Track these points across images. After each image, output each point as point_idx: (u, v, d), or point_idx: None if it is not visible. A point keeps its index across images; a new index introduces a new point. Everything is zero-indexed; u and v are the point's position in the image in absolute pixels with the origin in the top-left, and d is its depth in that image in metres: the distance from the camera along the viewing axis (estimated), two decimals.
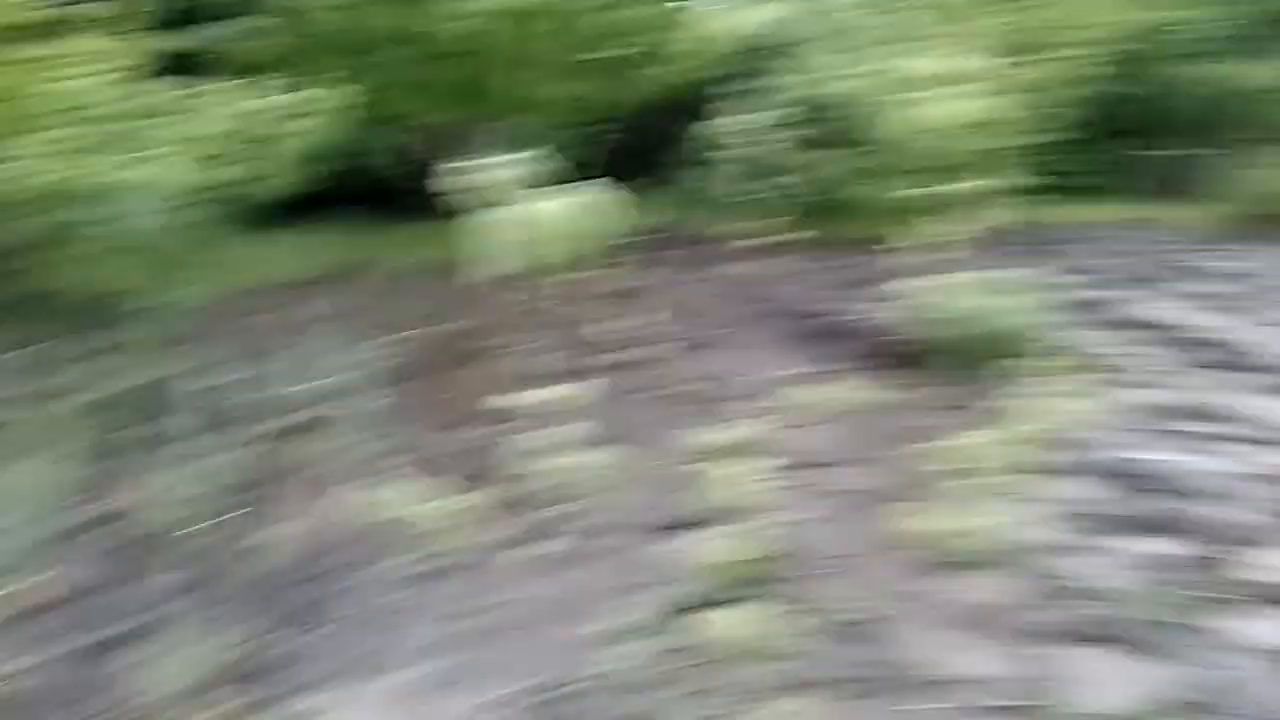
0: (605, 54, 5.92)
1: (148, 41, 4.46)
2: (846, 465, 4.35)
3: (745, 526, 3.75)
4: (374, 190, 6.89)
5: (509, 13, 5.77)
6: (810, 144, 6.56)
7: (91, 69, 4.02)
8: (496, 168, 3.31)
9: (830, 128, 6.39)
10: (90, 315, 5.32)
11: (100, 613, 3.32)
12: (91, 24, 4.26)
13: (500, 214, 3.25)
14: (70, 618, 3.29)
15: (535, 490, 4.05)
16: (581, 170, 7.30)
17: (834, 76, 6.21)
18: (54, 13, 4.38)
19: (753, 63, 6.85)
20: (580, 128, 7.05)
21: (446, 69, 6.12)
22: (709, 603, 3.27)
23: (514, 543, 3.73)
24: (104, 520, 3.83)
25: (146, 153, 3.93)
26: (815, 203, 6.50)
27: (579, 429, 4.44)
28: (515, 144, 6.77)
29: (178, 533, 3.73)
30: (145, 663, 3.09)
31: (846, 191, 6.50)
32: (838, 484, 4.17)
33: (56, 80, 4.09)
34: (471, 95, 6.27)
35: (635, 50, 5.98)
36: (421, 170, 7.82)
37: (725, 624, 3.15)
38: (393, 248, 6.94)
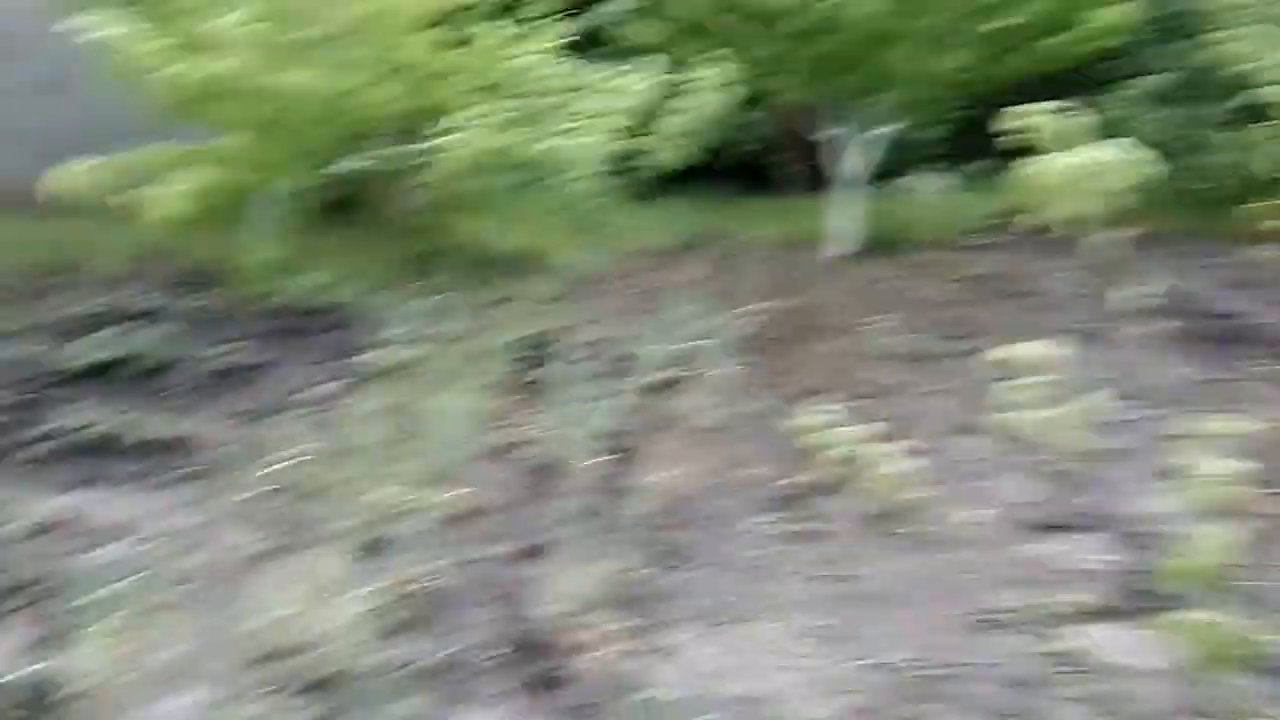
0: (999, 23, 5.63)
1: (563, 24, 4.95)
2: None
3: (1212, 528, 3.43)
4: (745, 165, 7.14)
5: None
6: (1238, 121, 5.82)
7: (528, 47, 4.55)
8: (1039, 118, 3.31)
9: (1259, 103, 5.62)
10: (498, 269, 6.05)
11: (505, 527, 3.80)
12: (522, 6, 4.81)
13: (1045, 163, 3.25)
14: (482, 528, 3.79)
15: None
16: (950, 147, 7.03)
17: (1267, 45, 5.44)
18: None
19: (1166, 31, 6.19)
20: (953, 103, 6.80)
21: (819, 44, 6.14)
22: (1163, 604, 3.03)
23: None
24: (508, 448, 4.36)
25: (569, 126, 4.39)
26: (1236, 187, 5.77)
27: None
28: (878, 120, 6.69)
29: (567, 466, 4.15)
30: (540, 578, 3.50)
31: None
32: None
33: (500, 58, 4.68)
34: (841, 70, 6.24)
35: (1037, 16, 5.62)
36: (789, 146, 7.96)
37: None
38: (757, 221, 7.18)
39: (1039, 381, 2.83)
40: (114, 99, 5.70)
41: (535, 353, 5.24)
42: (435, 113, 4.96)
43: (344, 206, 6.66)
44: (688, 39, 6.03)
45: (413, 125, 5.29)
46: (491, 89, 4.77)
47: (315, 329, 5.78)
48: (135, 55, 4.98)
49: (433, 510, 3.85)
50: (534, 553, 3.66)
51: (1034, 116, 3.56)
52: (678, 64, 5.65)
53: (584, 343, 5.29)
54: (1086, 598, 3.28)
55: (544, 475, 4.18)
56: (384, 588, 3.31)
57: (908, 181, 8.13)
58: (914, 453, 3.29)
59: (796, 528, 3.82)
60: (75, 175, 5.30)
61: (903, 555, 3.58)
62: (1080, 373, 2.99)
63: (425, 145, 5.17)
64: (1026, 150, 3.59)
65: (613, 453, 4.28)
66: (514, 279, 6.10)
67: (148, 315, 5.80)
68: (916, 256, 6.92)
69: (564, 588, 3.41)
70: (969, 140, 7.10)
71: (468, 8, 4.88)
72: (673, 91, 5.56)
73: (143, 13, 5.16)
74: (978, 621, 3.19)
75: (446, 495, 3.91)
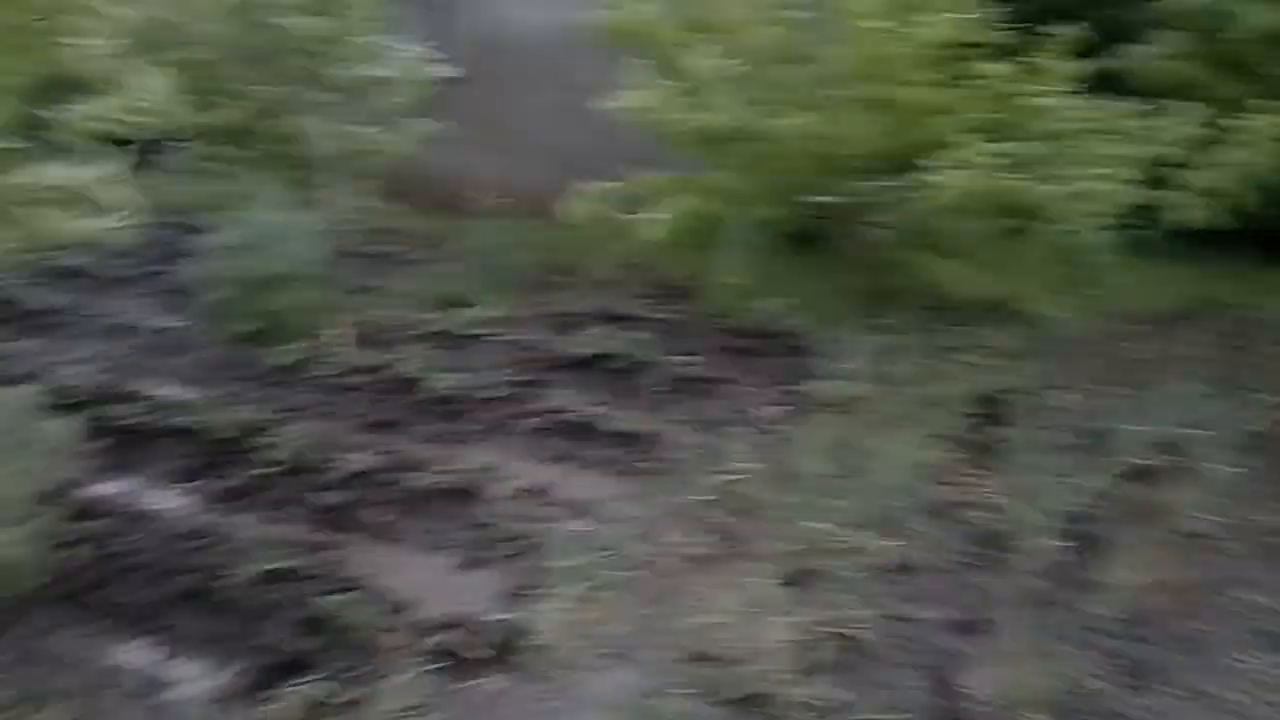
0: None
1: (1081, 62, 4.54)
2: None
3: None
4: (1273, 232, 6.03)
5: None
6: None
7: (1038, 86, 4.27)
8: None
9: None
10: (960, 315, 5.78)
11: (938, 592, 3.57)
12: (1034, 44, 4.51)
13: None
14: (914, 587, 3.59)
15: None
16: None
17: None
18: (1007, 35, 4.77)
19: None
20: None
21: None
22: None
23: None
24: (951, 508, 4.10)
25: (1078, 171, 4.03)
26: None
27: None
28: None
29: (1018, 541, 3.79)
30: (973, 658, 3.22)
31: None
32: None
33: (1005, 97, 4.45)
34: None
35: None
36: None
37: None
38: (1277, 296, 6.06)
39: None
40: (625, 126, 6.40)
41: (992, 410, 4.88)
42: (923, 150, 4.83)
43: (808, 238, 6.80)
44: (1232, 80, 5.20)
45: (895, 162, 5.23)
46: (989, 128, 4.53)
47: (768, 352, 5.96)
48: (643, 101, 5.53)
49: (864, 555, 3.74)
50: (969, 627, 3.38)
51: None
52: (1217, 109, 4.89)
53: (1050, 408, 4.82)
54: None
55: (989, 545, 3.86)
56: (808, 623, 3.27)
57: None
58: None
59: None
60: (586, 196, 6.04)
61: None
62: None
63: (905, 182, 5.07)
64: None
65: (1073, 539, 3.82)
66: (977, 328, 5.77)
67: (626, 320, 6.41)
68: None
69: (1001, 677, 3.10)
70: None
71: (973, 45, 4.68)
72: (1210, 140, 4.82)
73: (654, 63, 5.72)
74: None
75: (880, 543, 3.77)
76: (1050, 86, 4.38)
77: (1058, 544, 3.78)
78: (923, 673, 3.16)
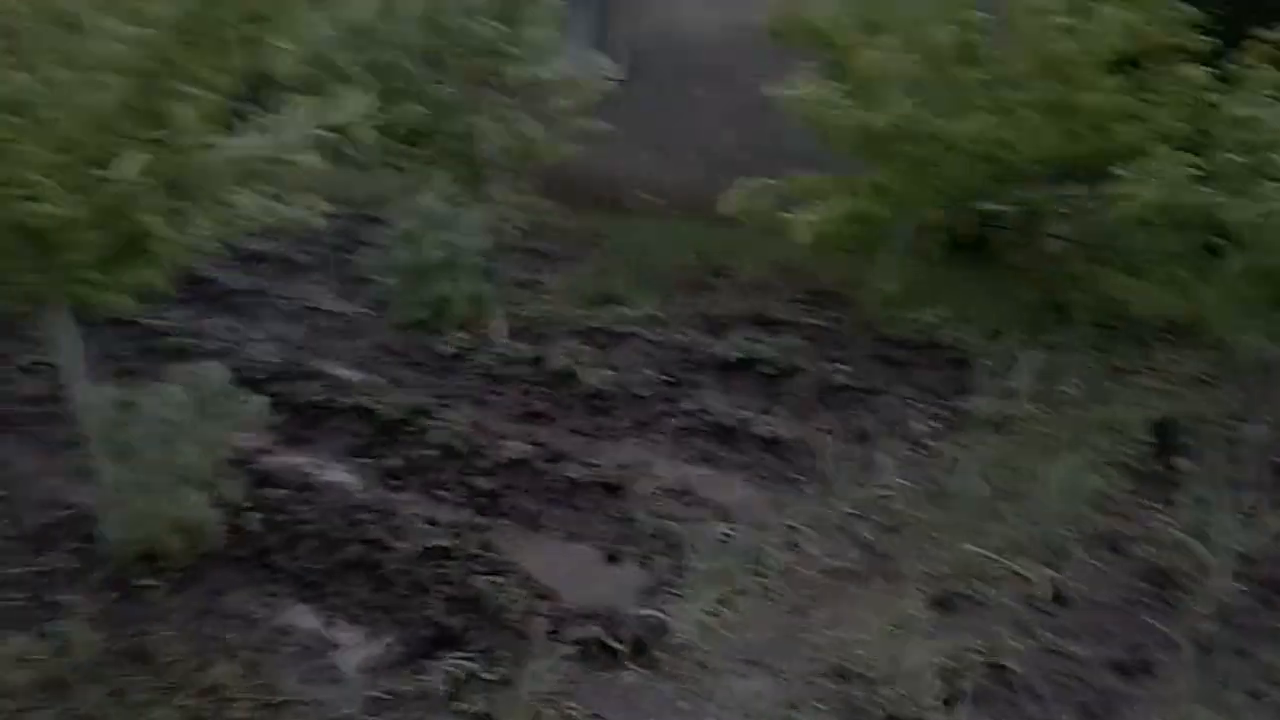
0: None
1: None
2: None
3: None
4: None
5: None
6: None
7: (1241, 94, 3.96)
8: None
9: None
10: (1135, 335, 5.45)
11: (1098, 628, 3.37)
12: (1235, 47, 4.17)
13: None
14: (1072, 621, 3.41)
15: None
16: None
17: None
18: (1201, 37, 4.45)
19: None
20: None
21: None
22: None
23: None
24: (1117, 539, 3.87)
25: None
26: None
27: None
28: None
29: (1192, 581, 3.54)
30: (1136, 701, 3.03)
31: None
32: None
33: (1203, 105, 4.15)
34: None
35: None
36: None
37: None
38: None
39: None
40: (786, 127, 6.34)
41: (1168, 438, 4.57)
42: (1104, 158, 4.55)
43: (972, 246, 6.56)
44: None
45: (1072, 170, 4.95)
46: (1180, 138, 4.21)
47: (924, 364, 5.79)
48: (810, 100, 5.45)
49: (1019, 583, 3.58)
50: (1130, 668, 3.18)
51: None
52: None
53: (1234, 440, 4.47)
54: None
55: (1157, 582, 3.62)
56: (956, 648, 3.16)
57: None
58: None
59: None
60: (744, 194, 6.01)
61: None
62: None
63: (1083, 192, 4.81)
64: None
65: (1259, 583, 3.54)
66: (1155, 349, 5.41)
67: (777, 324, 6.36)
68: None
69: None
70: None
71: (1171, 49, 4.37)
72: None
73: (823, 66, 5.64)
74: None
75: (1038, 572, 3.60)
76: (1251, 94, 4.05)
77: (1234, 587, 3.51)
78: (1076, 711, 3.00)
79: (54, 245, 3.18)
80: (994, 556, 3.66)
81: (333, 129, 3.41)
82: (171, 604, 3.41)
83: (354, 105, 3.52)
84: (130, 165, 3.02)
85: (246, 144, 3.37)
